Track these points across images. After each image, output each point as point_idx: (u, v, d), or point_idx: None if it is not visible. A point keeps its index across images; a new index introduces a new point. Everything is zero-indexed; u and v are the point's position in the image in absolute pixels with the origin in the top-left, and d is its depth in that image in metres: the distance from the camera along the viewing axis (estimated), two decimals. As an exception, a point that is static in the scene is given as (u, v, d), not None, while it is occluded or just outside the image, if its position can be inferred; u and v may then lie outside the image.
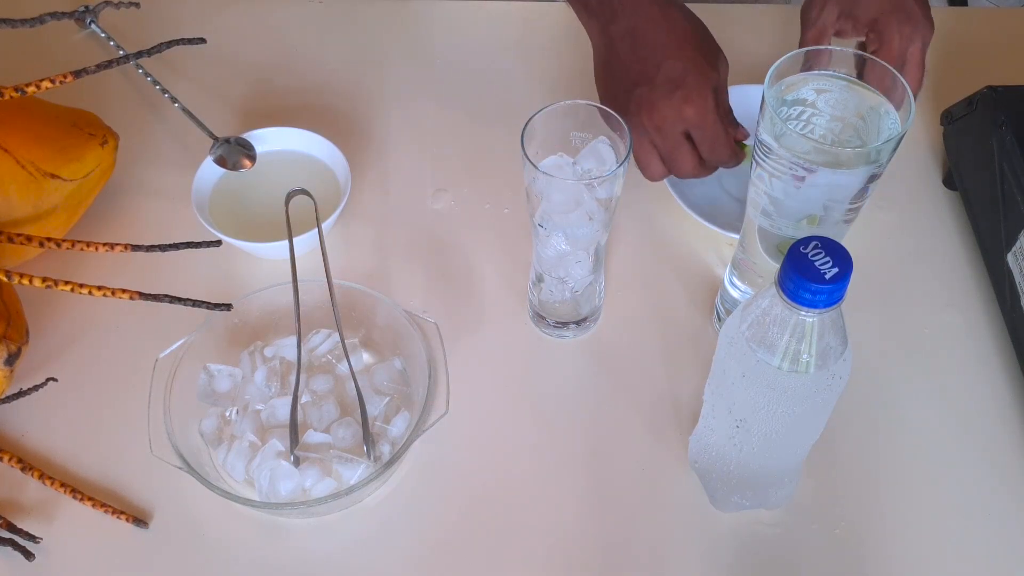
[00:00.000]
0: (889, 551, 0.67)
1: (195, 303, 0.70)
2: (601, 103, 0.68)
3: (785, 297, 0.51)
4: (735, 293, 0.74)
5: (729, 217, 0.83)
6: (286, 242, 0.70)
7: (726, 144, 0.73)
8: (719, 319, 0.76)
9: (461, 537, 0.67)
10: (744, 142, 0.76)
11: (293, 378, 0.70)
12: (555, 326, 0.77)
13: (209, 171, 0.83)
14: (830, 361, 0.54)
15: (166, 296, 0.69)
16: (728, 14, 1.00)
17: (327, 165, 0.84)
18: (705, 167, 0.75)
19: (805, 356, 0.53)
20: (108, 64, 0.71)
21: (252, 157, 0.84)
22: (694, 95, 0.70)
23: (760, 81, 0.62)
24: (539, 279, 0.74)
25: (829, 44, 0.76)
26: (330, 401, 0.70)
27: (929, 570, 0.66)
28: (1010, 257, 0.75)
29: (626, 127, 0.65)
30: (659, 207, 0.84)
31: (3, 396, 0.70)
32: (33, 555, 0.65)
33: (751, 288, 0.72)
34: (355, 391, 0.69)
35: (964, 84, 0.85)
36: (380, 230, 0.84)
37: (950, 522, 0.68)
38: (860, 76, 0.63)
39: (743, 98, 0.89)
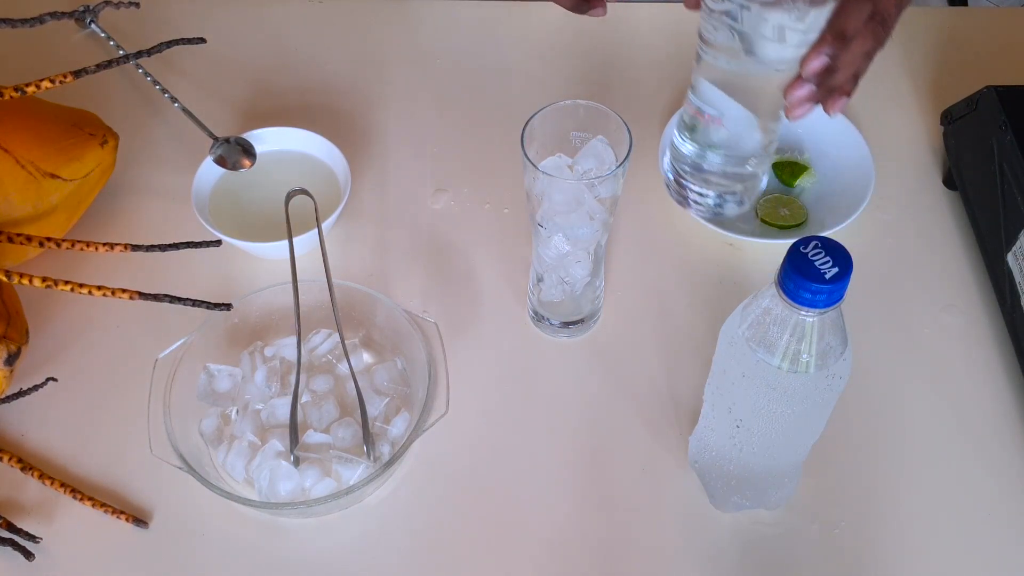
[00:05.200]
0: (889, 551, 0.67)
1: (195, 303, 0.70)
2: None
3: (785, 297, 0.51)
4: (687, 148, 0.68)
5: (729, 217, 0.83)
6: (286, 242, 0.70)
7: None
8: (676, 184, 0.71)
9: (461, 537, 0.67)
10: None
11: (293, 378, 0.70)
12: (555, 326, 0.77)
13: (209, 171, 0.83)
14: (830, 361, 0.54)
15: (166, 296, 0.69)
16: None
17: (327, 165, 0.84)
18: None
19: (805, 356, 0.53)
20: (108, 64, 0.71)
21: (252, 157, 0.84)
22: None
23: None
24: (539, 279, 0.74)
25: None
26: (330, 401, 0.70)
27: (929, 570, 0.66)
28: (1010, 257, 0.75)
29: (626, 126, 0.65)
30: (659, 207, 0.84)
31: (3, 396, 0.70)
32: (33, 555, 0.65)
33: (697, 144, 0.68)
34: (355, 391, 0.69)
35: (964, 84, 0.85)
36: (380, 230, 0.84)
37: (950, 522, 0.68)
38: None
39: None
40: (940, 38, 0.98)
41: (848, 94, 0.63)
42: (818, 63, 0.59)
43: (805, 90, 0.60)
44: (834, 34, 0.58)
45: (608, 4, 0.74)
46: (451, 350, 0.71)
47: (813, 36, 0.59)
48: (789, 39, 0.59)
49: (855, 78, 0.63)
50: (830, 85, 0.61)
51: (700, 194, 0.70)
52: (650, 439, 0.72)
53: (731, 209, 0.70)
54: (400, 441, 0.68)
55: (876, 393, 0.74)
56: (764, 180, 0.69)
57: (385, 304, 0.73)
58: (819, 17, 0.58)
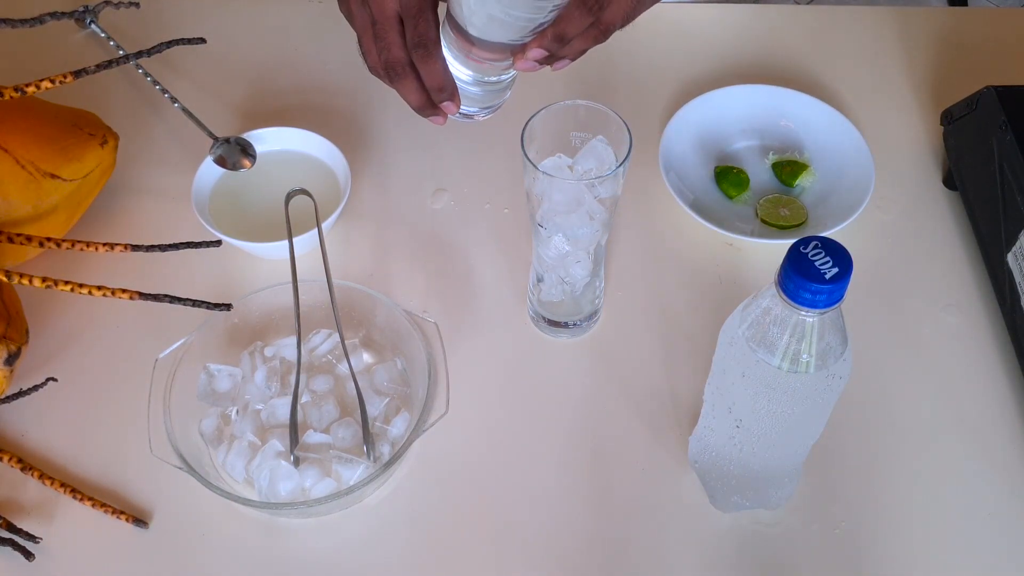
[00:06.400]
0: (889, 551, 0.67)
1: (195, 303, 0.70)
2: None
3: (785, 297, 0.51)
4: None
5: (728, 216, 0.83)
6: (286, 242, 0.70)
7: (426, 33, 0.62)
8: None
9: (461, 537, 0.67)
10: None
11: (293, 378, 0.70)
12: (555, 326, 0.77)
13: (209, 171, 0.83)
14: (830, 361, 0.54)
15: (166, 296, 0.69)
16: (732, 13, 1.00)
17: (327, 165, 0.84)
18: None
19: (805, 356, 0.53)
20: (108, 64, 0.71)
21: (252, 157, 0.84)
22: None
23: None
24: (539, 279, 0.74)
25: None
26: (330, 401, 0.70)
27: (929, 570, 0.66)
28: (1010, 257, 0.75)
29: (626, 126, 0.65)
30: (659, 207, 0.84)
31: (3, 396, 0.70)
32: (33, 555, 0.65)
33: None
34: (355, 391, 0.69)
35: (964, 84, 0.85)
36: (380, 230, 0.84)
37: (950, 522, 0.68)
38: None
39: (737, 98, 0.89)
40: (940, 38, 0.98)
41: (572, 59, 0.66)
42: (534, 55, 0.63)
43: (527, 64, 0.64)
44: (555, 35, 0.62)
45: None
46: (451, 350, 0.71)
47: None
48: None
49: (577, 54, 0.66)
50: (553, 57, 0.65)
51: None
52: (650, 439, 0.72)
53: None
54: (400, 441, 0.68)
55: (876, 393, 0.74)
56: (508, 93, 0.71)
57: (385, 304, 0.73)
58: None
